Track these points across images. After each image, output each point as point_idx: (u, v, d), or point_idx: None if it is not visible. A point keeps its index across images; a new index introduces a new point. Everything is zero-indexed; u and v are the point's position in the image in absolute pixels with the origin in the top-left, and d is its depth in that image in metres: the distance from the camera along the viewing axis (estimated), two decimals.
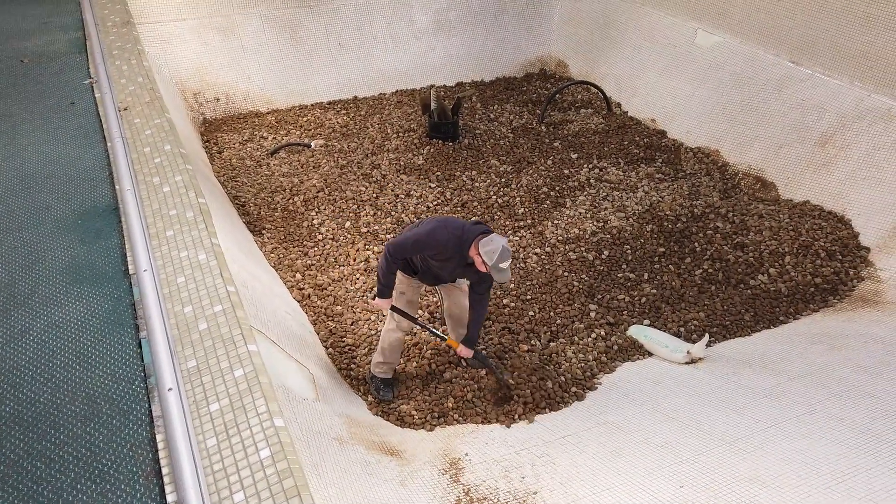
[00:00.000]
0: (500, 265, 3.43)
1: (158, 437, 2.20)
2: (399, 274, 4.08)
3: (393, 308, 4.09)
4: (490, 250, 3.43)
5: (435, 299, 5.16)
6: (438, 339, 4.25)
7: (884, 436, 3.33)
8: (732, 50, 7.25)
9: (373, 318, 5.00)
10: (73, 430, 2.25)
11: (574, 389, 4.34)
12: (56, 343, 2.61)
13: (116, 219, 3.33)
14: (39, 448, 2.19)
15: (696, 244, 5.76)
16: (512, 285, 5.33)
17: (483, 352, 4.59)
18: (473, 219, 4.90)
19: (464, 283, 4.26)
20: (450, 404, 4.27)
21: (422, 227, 3.75)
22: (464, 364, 4.58)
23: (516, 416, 4.12)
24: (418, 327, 4.27)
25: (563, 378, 4.43)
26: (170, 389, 2.30)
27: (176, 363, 2.41)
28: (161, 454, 2.14)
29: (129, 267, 2.98)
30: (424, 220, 3.92)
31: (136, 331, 2.65)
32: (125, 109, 4.26)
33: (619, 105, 8.41)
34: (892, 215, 5.47)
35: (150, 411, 2.30)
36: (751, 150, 6.82)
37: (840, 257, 5.45)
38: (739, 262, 5.52)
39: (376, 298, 4.01)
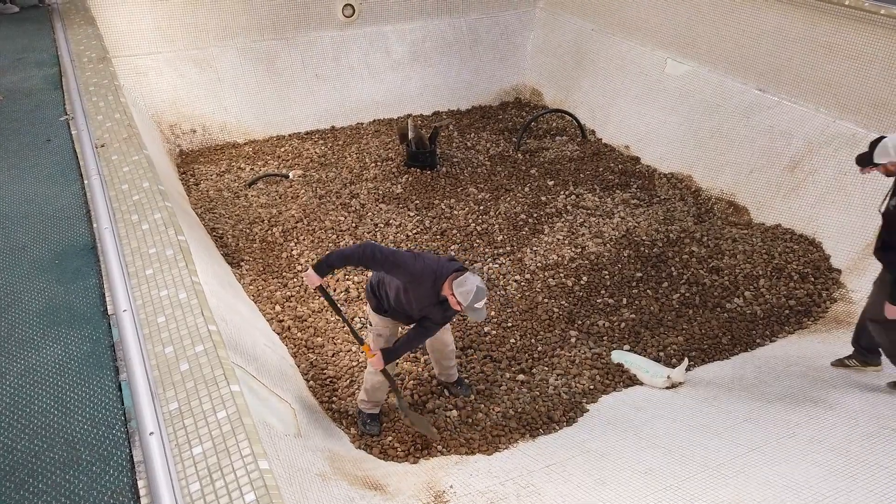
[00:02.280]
0: (475, 305, 3.44)
1: (140, 484, 2.16)
2: (373, 315, 4.06)
3: (319, 287, 3.78)
4: (465, 291, 3.42)
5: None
6: (356, 340, 4.04)
7: (861, 457, 3.39)
8: (701, 78, 7.45)
9: (353, 349, 4.98)
10: (51, 478, 2.21)
11: (559, 416, 4.36)
12: (33, 388, 2.56)
13: (94, 258, 3.29)
14: (17, 498, 2.14)
15: (673, 269, 5.85)
16: (493, 312, 5.36)
17: (404, 399, 4.38)
18: (449, 253, 4.81)
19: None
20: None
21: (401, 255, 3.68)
22: (447, 393, 4.57)
23: (500, 446, 4.13)
24: (342, 321, 3.97)
25: (546, 405, 4.45)
26: (151, 433, 2.27)
27: (157, 406, 2.38)
28: (143, 501, 2.10)
29: (108, 307, 2.95)
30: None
31: (116, 373, 2.61)
32: (102, 146, 4.23)
33: (593, 132, 8.57)
34: (860, 237, 5.62)
35: (132, 456, 2.26)
36: (722, 175, 6.98)
37: (812, 279, 5.57)
38: (715, 285, 5.62)
39: (310, 269, 3.66)
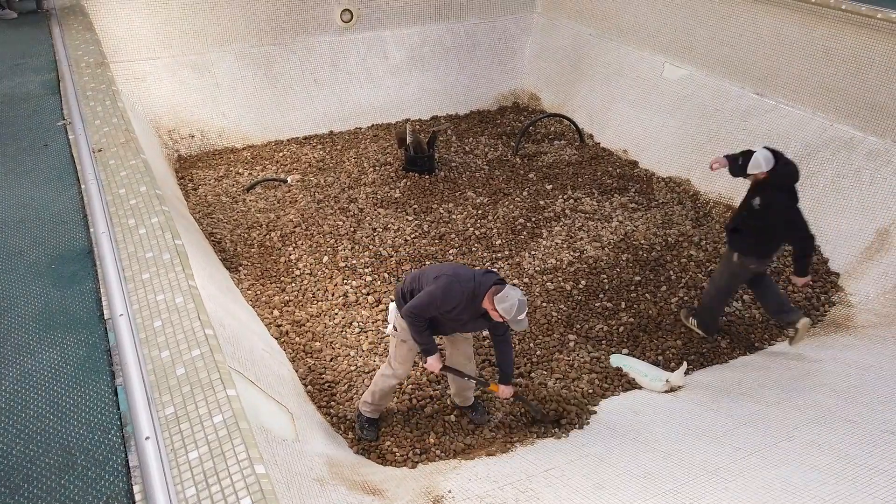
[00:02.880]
0: (518, 318, 3.51)
1: (136, 488, 2.15)
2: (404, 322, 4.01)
3: (445, 368, 4.04)
4: (507, 306, 3.49)
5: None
6: (482, 387, 4.27)
7: (861, 461, 3.38)
8: (699, 82, 7.46)
9: (352, 353, 4.97)
10: (47, 482, 2.19)
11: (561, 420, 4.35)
12: (29, 392, 2.55)
13: (91, 262, 3.28)
14: (12, 503, 2.13)
15: (671, 272, 5.85)
16: None
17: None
18: (483, 267, 4.79)
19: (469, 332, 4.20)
20: (431, 440, 4.24)
21: (434, 283, 3.69)
22: (457, 403, 4.50)
23: (498, 450, 4.12)
24: (466, 378, 4.16)
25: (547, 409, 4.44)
26: (147, 438, 2.26)
27: (153, 410, 2.37)
28: None
29: (105, 312, 2.94)
30: (429, 270, 3.85)
31: (112, 378, 2.60)
32: (99, 151, 4.23)
33: (591, 136, 8.57)
34: (858, 241, 5.62)
35: (127, 461, 2.25)
36: (720, 178, 6.97)
37: (811, 283, 5.56)
38: None
39: (427, 359, 3.90)
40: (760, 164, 4.44)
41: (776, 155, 4.50)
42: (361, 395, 4.42)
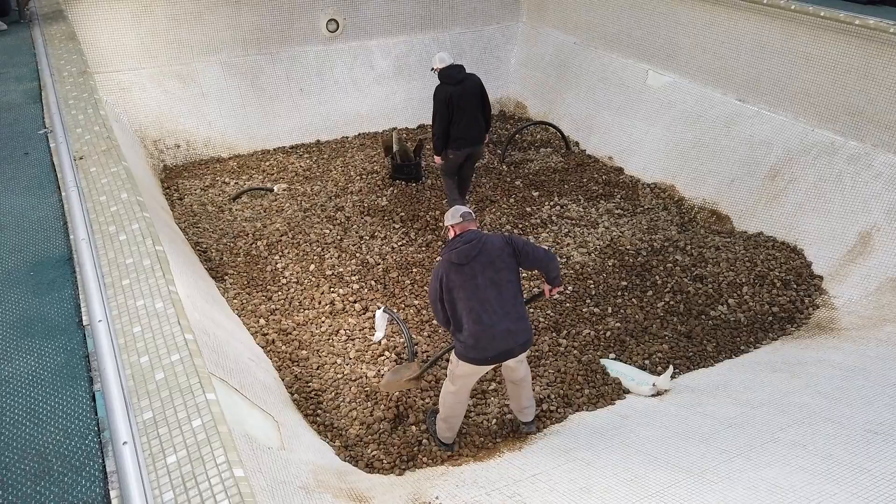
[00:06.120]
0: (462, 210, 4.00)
1: (112, 494, 2.11)
2: (463, 365, 3.87)
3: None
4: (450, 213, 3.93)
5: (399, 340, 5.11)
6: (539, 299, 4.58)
7: (845, 461, 3.38)
8: (682, 89, 7.53)
9: (339, 361, 4.94)
10: (22, 489, 2.16)
11: (546, 424, 4.33)
12: (5, 399, 2.51)
13: (70, 269, 3.25)
14: None
15: (657, 277, 5.86)
16: None
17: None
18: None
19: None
20: (416, 450, 4.21)
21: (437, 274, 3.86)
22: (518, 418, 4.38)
23: (486, 456, 4.10)
24: None
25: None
26: (124, 443, 2.22)
27: (131, 415, 2.34)
28: None
29: (83, 318, 2.91)
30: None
31: (90, 384, 2.57)
32: (81, 158, 4.20)
33: (576, 144, 8.62)
34: (840, 244, 5.67)
35: (104, 467, 2.21)
36: (705, 184, 7.03)
37: (795, 286, 5.60)
38: (699, 293, 5.63)
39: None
40: (435, 61, 6.13)
41: (458, 68, 6.13)
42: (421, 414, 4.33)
